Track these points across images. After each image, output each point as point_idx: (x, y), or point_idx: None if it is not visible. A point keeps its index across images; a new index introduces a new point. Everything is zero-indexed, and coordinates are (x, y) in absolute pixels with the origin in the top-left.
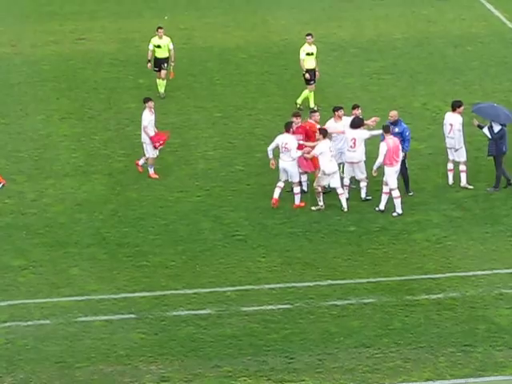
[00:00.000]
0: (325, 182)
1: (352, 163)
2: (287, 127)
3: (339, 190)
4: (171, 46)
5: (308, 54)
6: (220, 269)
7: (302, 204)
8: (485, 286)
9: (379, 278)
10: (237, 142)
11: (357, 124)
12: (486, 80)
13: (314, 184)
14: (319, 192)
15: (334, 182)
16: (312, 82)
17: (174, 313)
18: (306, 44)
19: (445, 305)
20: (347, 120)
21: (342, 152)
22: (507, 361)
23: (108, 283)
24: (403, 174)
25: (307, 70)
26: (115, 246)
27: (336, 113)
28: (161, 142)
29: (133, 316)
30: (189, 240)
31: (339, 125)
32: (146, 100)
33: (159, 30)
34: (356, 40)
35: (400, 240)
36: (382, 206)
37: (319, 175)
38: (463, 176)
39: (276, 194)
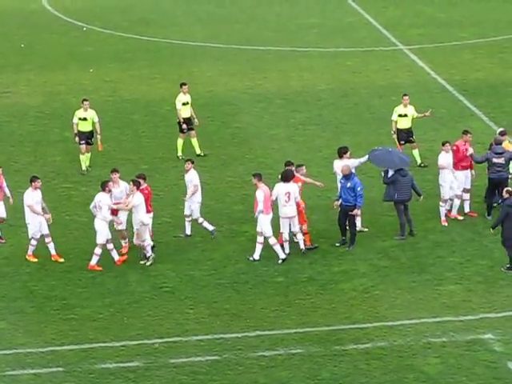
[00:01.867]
0: (145, 234)
1: (288, 218)
2: (103, 186)
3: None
4: (96, 119)
5: (184, 104)
6: (148, 321)
7: (122, 258)
8: (412, 335)
9: (307, 328)
10: (163, 194)
11: (289, 177)
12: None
13: (135, 240)
14: (145, 246)
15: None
16: (186, 131)
17: (103, 365)
18: (181, 93)
19: (373, 354)
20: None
21: None
22: None
23: (36, 337)
24: (352, 229)
25: (184, 120)
26: (43, 300)
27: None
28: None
29: (61, 369)
30: (116, 292)
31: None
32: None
33: (85, 103)
34: (281, 91)
35: (327, 290)
36: (256, 256)
37: (137, 228)
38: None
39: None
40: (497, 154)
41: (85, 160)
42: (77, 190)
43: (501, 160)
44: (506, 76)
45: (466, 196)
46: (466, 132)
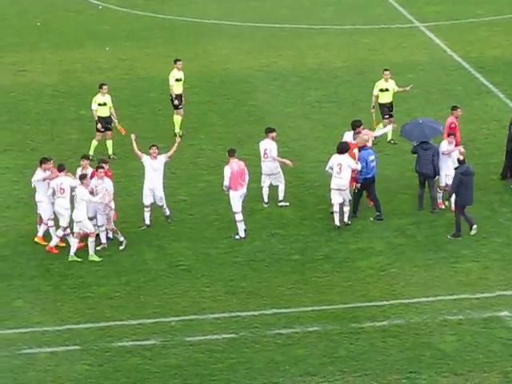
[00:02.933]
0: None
1: (337, 189)
2: (59, 169)
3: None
4: (111, 104)
5: (177, 80)
6: (164, 299)
7: (54, 251)
8: (429, 313)
9: (324, 306)
10: (179, 172)
11: (344, 150)
12: (427, 107)
13: (107, 225)
14: (116, 229)
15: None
16: (180, 107)
17: (119, 344)
18: (175, 69)
19: (389, 332)
20: None
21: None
22: None
23: (52, 315)
24: (374, 200)
25: (176, 96)
26: (59, 278)
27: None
28: None
29: (77, 347)
30: (132, 271)
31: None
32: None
33: (104, 87)
34: (297, 69)
35: (344, 268)
36: (242, 234)
37: (107, 213)
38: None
39: (52, 242)
40: None
41: (109, 145)
42: (93, 168)
43: None
44: None
45: None
46: (455, 107)
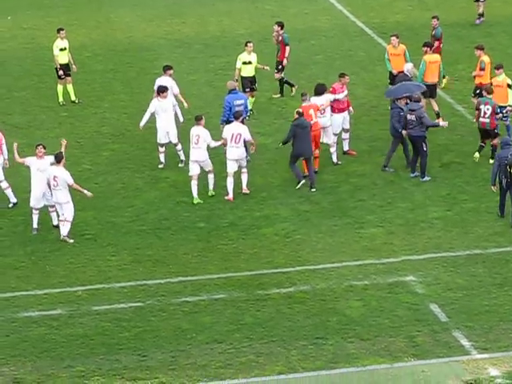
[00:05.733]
0: None
1: (322, 128)
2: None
3: None
4: None
5: (61, 50)
6: (70, 268)
7: None
8: (334, 279)
9: (230, 273)
10: (83, 141)
11: (320, 91)
12: (330, 73)
13: None
14: None
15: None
16: (63, 77)
17: (25, 314)
18: (59, 39)
19: (296, 298)
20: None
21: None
22: (359, 352)
23: None
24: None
25: (61, 66)
26: None
27: None
28: None
29: None
30: (38, 240)
31: None
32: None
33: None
34: (200, 36)
35: (249, 235)
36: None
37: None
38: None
39: None
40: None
41: None
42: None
43: (412, 117)
44: (424, 18)
45: (346, 135)
46: (342, 75)
